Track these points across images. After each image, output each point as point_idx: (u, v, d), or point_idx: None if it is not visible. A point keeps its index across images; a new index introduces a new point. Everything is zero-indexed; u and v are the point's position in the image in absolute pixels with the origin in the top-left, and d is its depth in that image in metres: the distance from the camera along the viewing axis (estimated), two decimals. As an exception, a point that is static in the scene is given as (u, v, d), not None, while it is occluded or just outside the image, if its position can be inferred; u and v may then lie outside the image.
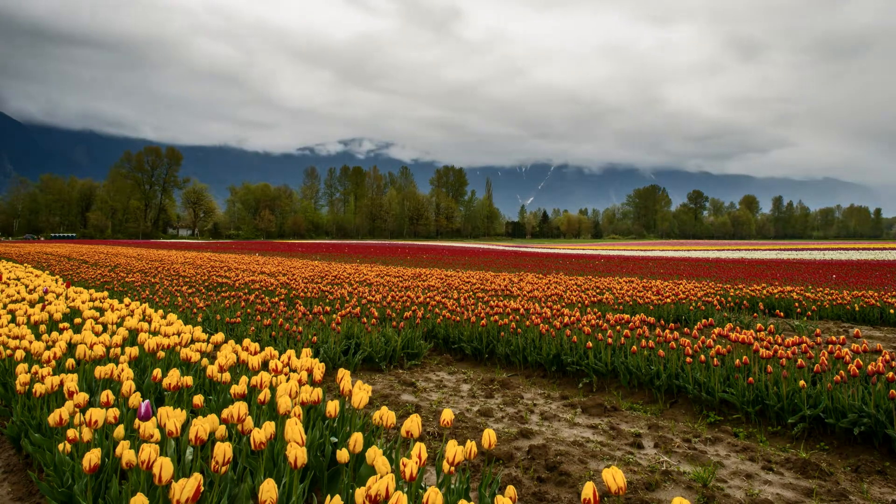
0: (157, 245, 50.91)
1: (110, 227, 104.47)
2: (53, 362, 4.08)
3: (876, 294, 11.17)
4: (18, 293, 8.09)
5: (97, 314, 5.98)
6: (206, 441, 2.55)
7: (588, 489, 1.86)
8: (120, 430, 2.81)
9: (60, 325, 5.36)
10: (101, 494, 2.70)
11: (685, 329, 7.23)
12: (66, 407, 3.01)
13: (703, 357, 5.02)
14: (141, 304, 6.72)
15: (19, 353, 4.18)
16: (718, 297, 10.64)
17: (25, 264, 18.08)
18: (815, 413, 4.21)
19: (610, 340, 5.88)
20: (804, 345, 5.14)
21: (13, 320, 5.91)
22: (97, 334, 5.02)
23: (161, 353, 4.38)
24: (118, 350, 4.35)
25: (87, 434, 2.76)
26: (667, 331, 5.80)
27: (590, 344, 5.73)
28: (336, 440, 3.31)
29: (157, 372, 3.67)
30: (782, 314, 9.51)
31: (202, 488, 2.00)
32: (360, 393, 3.03)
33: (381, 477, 2.09)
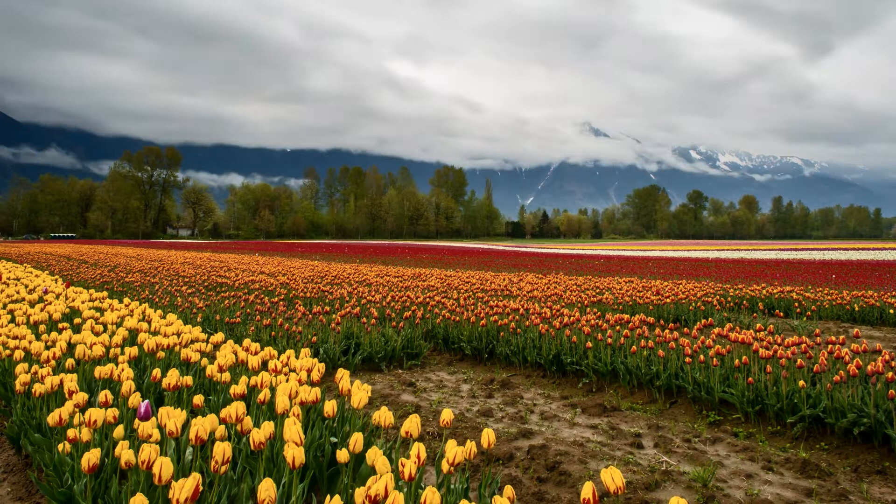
0: (157, 245, 50.90)
1: (110, 227, 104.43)
2: (53, 362, 4.08)
3: (876, 294, 11.16)
4: (18, 293, 8.08)
5: (97, 314, 5.98)
6: (206, 441, 2.55)
7: (587, 489, 1.86)
8: (119, 430, 2.81)
9: (60, 325, 5.35)
10: (100, 494, 2.70)
11: (685, 329, 7.23)
12: (66, 407, 3.01)
13: (702, 357, 5.02)
14: (140, 304, 6.72)
15: (19, 353, 4.17)
16: (718, 297, 10.64)
17: (25, 264, 18.08)
18: (815, 413, 4.21)
19: (609, 340, 5.88)
20: (804, 345, 5.14)
21: (13, 320, 5.90)
22: (97, 334, 5.02)
23: (161, 353, 4.38)
24: (118, 350, 4.35)
25: (86, 434, 2.76)
26: (666, 331, 5.80)
27: (589, 344, 5.73)
28: (336, 440, 3.31)
29: (157, 372, 3.66)
30: (782, 314, 9.51)
31: (201, 488, 2.00)
32: (360, 393, 3.02)
33: (381, 477, 2.09)
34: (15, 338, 4.73)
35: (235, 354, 4.13)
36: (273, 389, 3.50)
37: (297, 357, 4.16)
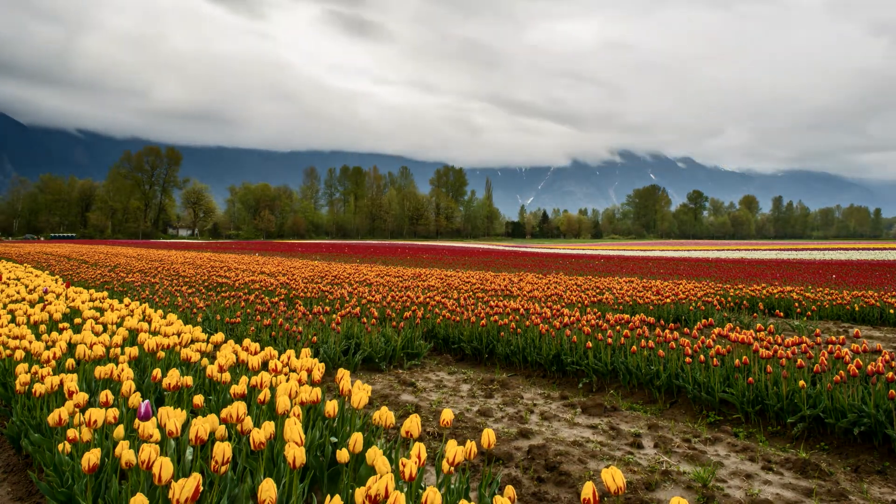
0: (157, 245, 50.91)
1: (110, 227, 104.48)
2: (53, 362, 4.07)
3: (876, 294, 11.17)
4: (18, 293, 8.08)
5: (97, 314, 5.98)
6: (206, 441, 2.55)
7: (587, 489, 1.86)
8: (120, 430, 2.81)
9: (60, 325, 5.36)
10: (101, 494, 2.70)
11: (685, 329, 7.23)
12: (66, 407, 3.01)
13: (702, 357, 5.02)
14: (141, 304, 6.71)
15: (19, 353, 4.18)
16: (718, 297, 10.64)
17: (25, 264, 18.08)
18: (815, 413, 4.21)
19: (610, 340, 5.88)
20: (804, 345, 5.14)
21: (13, 320, 5.90)
22: (97, 334, 5.02)
23: (161, 353, 4.38)
24: (118, 350, 4.35)
25: (86, 434, 2.76)
26: (666, 331, 5.80)
27: (589, 344, 5.73)
28: (336, 440, 3.31)
29: (157, 372, 3.66)
30: (782, 314, 9.51)
31: (202, 488, 2.00)
32: (360, 393, 3.02)
33: (381, 477, 2.09)
34: (15, 338, 4.73)
35: (236, 354, 4.13)
36: (273, 389, 3.50)
37: (297, 357, 4.15)
